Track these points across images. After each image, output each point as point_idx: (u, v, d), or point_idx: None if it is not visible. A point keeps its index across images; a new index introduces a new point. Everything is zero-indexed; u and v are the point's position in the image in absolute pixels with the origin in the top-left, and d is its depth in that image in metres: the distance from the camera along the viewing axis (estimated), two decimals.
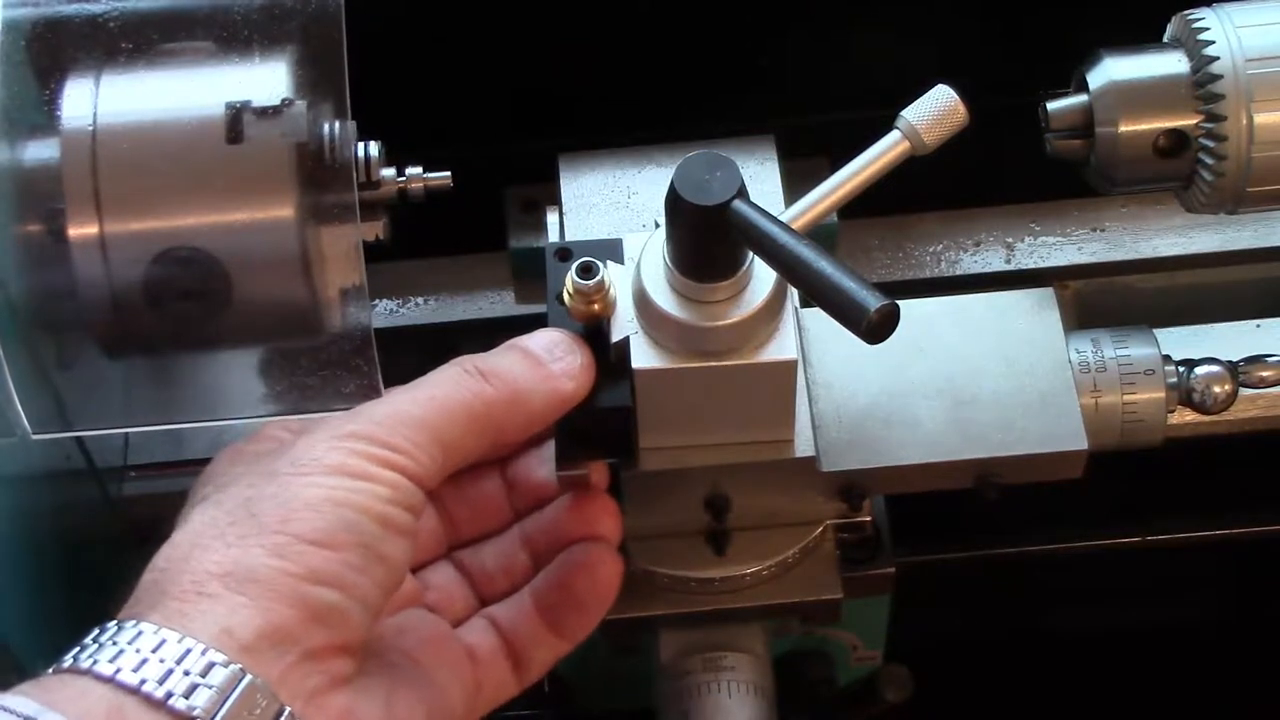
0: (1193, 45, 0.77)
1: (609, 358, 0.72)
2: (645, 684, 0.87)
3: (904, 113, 0.72)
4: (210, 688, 0.58)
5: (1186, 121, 0.77)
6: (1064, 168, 0.81)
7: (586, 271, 0.71)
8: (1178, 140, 0.78)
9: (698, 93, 1.01)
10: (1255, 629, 1.24)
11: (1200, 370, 0.85)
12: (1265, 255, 0.99)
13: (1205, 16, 0.77)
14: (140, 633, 0.59)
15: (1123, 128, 0.78)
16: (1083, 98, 0.79)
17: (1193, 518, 1.08)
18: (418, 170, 0.75)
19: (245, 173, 0.69)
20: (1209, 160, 0.77)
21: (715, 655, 0.84)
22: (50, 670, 0.59)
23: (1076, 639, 1.24)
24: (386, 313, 1.02)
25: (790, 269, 0.65)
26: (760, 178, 0.85)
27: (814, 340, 0.80)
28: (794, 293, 0.73)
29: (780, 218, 0.68)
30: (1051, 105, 0.79)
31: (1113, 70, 0.78)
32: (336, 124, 0.71)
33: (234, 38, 0.72)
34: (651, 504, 0.79)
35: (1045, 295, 0.83)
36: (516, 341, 0.71)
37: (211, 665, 0.58)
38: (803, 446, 0.77)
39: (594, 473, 0.74)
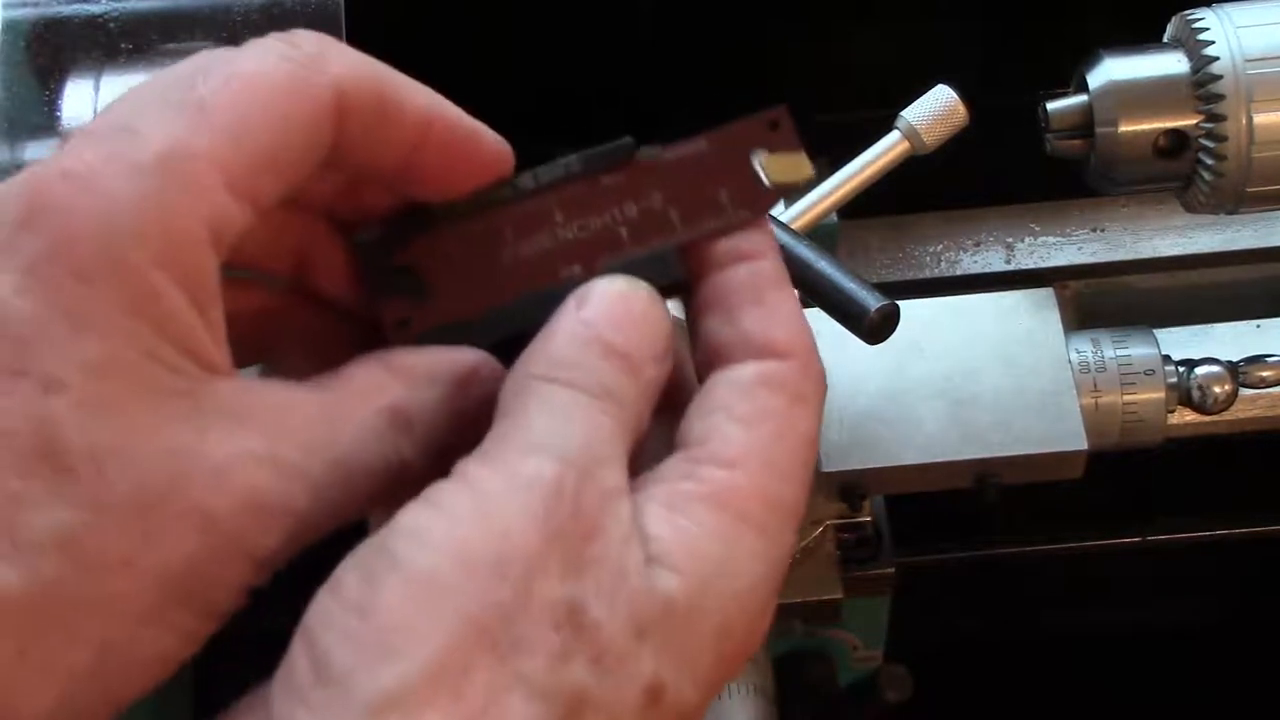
0: (1192, 45, 0.77)
1: None
2: None
3: (904, 113, 0.72)
4: None
5: (1186, 121, 0.77)
6: (1064, 168, 0.81)
7: None
8: (1178, 140, 0.77)
9: (698, 93, 1.01)
10: (1255, 629, 1.24)
11: (1200, 370, 0.85)
12: (1265, 255, 0.99)
13: (1205, 16, 0.77)
14: None
15: (1123, 128, 0.78)
16: (1083, 98, 0.79)
17: (1193, 518, 1.08)
18: None
19: None
20: (1209, 160, 0.77)
21: None
22: None
23: (1077, 639, 1.24)
24: None
25: (790, 269, 0.65)
26: None
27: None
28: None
29: (780, 218, 0.68)
30: (1051, 105, 0.79)
31: (1113, 70, 0.78)
32: None
33: (234, 38, 0.72)
34: None
35: (1045, 295, 0.83)
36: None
37: None
38: None
39: None
